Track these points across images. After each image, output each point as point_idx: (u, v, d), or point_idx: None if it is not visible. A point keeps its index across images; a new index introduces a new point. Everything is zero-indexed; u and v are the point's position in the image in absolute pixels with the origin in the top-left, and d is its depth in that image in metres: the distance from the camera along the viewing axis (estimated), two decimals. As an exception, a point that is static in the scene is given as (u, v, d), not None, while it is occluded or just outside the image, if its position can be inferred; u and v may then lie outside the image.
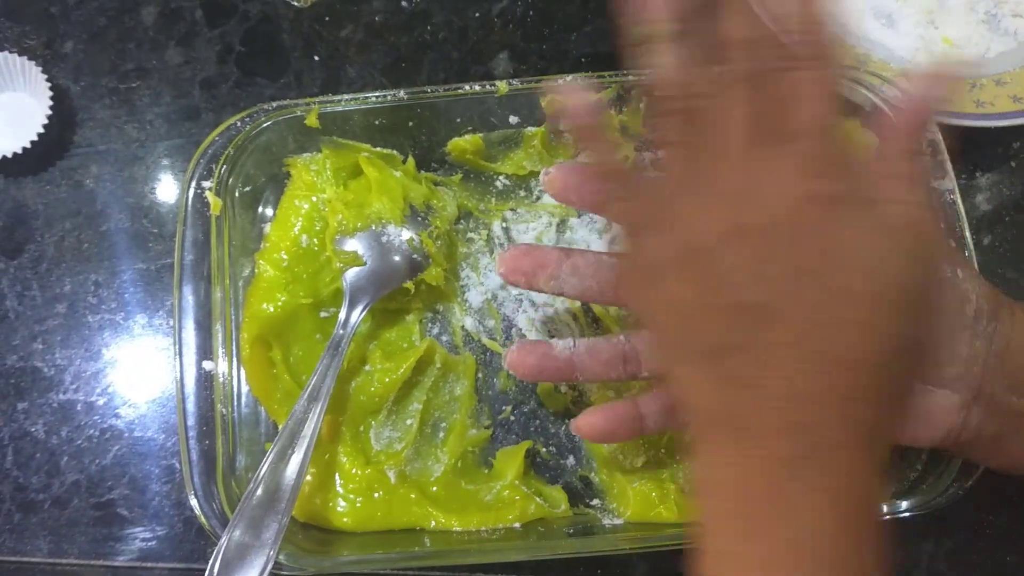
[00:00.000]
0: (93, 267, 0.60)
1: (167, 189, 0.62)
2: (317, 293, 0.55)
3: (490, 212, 0.60)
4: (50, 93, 0.60)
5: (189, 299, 0.52)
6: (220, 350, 0.52)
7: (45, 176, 0.62)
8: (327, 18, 0.65)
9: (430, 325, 0.58)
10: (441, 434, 0.55)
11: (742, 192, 0.35)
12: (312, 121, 0.55)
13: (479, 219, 0.60)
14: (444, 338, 0.57)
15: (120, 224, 0.61)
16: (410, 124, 0.57)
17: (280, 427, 0.52)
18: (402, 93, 0.55)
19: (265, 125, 0.55)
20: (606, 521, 0.53)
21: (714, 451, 0.36)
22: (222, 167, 0.54)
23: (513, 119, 0.58)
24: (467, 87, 0.55)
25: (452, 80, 0.64)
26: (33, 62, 0.61)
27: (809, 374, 0.34)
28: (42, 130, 0.60)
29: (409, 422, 0.55)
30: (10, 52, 0.61)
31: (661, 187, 0.38)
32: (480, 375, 0.57)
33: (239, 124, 0.54)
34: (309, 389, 0.50)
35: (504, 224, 0.60)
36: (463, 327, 0.58)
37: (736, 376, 0.35)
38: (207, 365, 0.51)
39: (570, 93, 0.40)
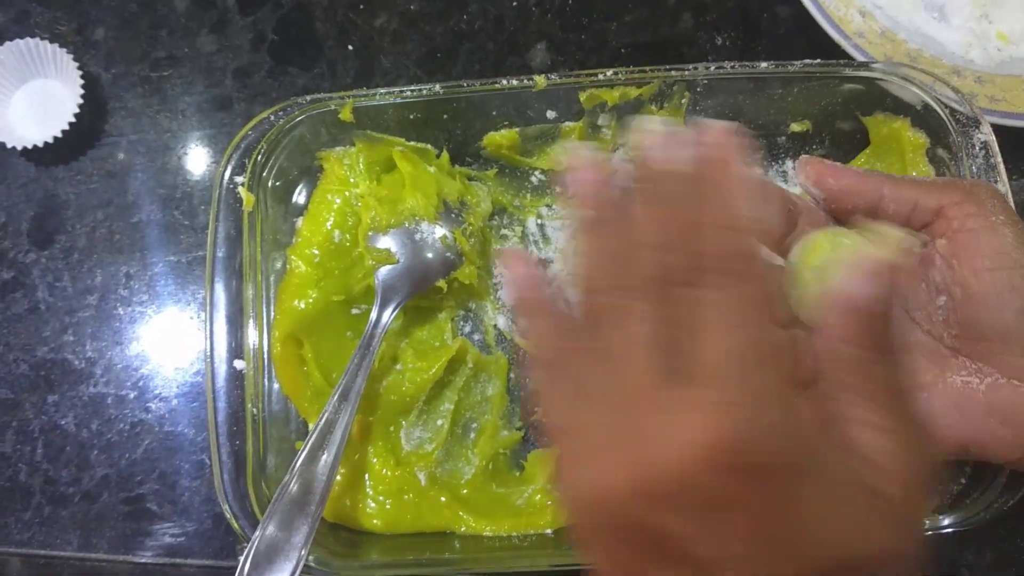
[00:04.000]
0: (124, 258, 0.59)
1: (199, 180, 0.61)
2: (349, 290, 0.54)
3: (525, 208, 0.58)
4: (81, 81, 0.60)
5: (221, 295, 0.51)
6: (251, 348, 0.51)
7: (76, 165, 0.61)
8: (361, 6, 0.63)
9: (462, 323, 0.57)
10: (472, 435, 0.54)
11: (647, 441, 0.29)
12: (346, 115, 0.54)
13: (514, 215, 0.58)
14: (476, 337, 0.57)
15: (152, 215, 0.60)
16: (445, 117, 0.56)
17: (311, 426, 0.52)
18: (437, 87, 0.53)
19: (298, 119, 0.54)
20: (640, 529, 0.52)
21: None
22: (255, 160, 0.53)
23: (551, 113, 0.56)
24: (504, 82, 0.54)
25: (488, 71, 0.63)
26: (64, 49, 0.60)
27: None
28: (73, 119, 0.59)
29: (440, 422, 0.54)
30: (41, 39, 0.60)
31: (577, 392, 0.32)
32: (512, 375, 0.56)
33: (272, 118, 0.53)
34: (340, 389, 0.49)
35: (539, 220, 0.58)
36: (495, 326, 0.57)
37: None
38: (238, 364, 0.51)
39: (514, 262, 0.36)
